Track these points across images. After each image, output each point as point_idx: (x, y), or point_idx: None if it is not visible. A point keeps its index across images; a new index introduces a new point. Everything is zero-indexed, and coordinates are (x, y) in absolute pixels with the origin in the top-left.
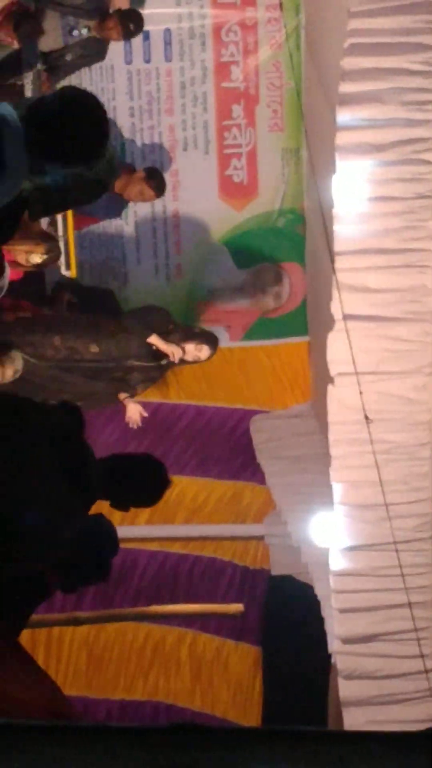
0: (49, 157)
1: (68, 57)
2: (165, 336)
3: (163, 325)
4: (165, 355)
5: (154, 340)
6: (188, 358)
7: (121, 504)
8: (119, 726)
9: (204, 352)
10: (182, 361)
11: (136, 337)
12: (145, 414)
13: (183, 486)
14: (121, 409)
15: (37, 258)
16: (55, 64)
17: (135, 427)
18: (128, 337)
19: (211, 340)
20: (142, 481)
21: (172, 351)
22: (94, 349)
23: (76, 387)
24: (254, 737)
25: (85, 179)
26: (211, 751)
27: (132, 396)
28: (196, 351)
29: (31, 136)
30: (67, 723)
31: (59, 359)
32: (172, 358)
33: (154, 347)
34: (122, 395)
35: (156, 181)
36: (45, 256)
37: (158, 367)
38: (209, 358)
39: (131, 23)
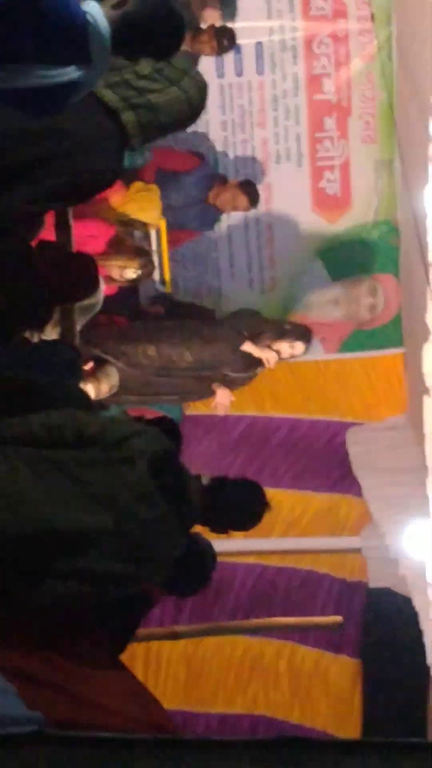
0: (134, 51)
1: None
2: (257, 338)
3: (255, 327)
4: (259, 361)
5: (248, 347)
6: (284, 356)
7: (219, 528)
8: (224, 739)
9: (298, 348)
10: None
11: (230, 345)
12: (233, 398)
13: (279, 499)
14: (217, 422)
15: (131, 273)
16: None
17: (223, 413)
18: (222, 345)
19: (304, 334)
20: (241, 505)
21: (268, 357)
22: (187, 357)
23: (171, 388)
24: (357, 750)
25: (175, 97)
26: (315, 764)
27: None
28: (290, 349)
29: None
30: (169, 737)
31: (154, 368)
32: (267, 365)
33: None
34: (215, 385)
35: (250, 190)
36: (139, 271)
37: (253, 375)
38: (305, 352)
39: (225, 39)
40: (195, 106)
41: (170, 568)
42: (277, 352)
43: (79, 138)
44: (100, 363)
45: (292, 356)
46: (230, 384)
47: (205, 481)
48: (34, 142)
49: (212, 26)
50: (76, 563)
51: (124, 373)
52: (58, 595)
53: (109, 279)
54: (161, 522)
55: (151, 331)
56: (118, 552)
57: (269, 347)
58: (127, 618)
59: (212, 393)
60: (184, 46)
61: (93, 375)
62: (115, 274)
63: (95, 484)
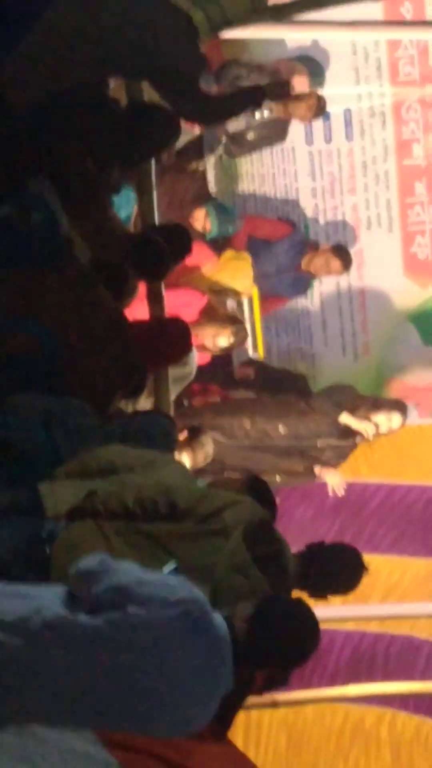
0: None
1: (250, 136)
2: (354, 410)
3: (350, 401)
4: (356, 433)
5: (345, 419)
6: (382, 430)
7: (318, 593)
8: None
9: (395, 420)
10: (376, 435)
11: (327, 417)
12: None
13: (377, 564)
14: (312, 490)
15: (224, 341)
16: (238, 143)
17: (341, 493)
18: (318, 417)
19: (400, 407)
20: (339, 571)
21: (365, 428)
22: (282, 430)
23: (270, 464)
24: None
25: None
26: None
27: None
28: (387, 422)
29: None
30: None
31: (249, 441)
32: (366, 436)
33: (344, 426)
34: (317, 468)
35: (342, 253)
36: (232, 339)
37: (351, 445)
38: (402, 425)
39: (321, 100)
40: None
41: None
42: (376, 426)
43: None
44: (195, 433)
45: (390, 429)
46: (329, 462)
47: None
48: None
49: (313, 92)
50: None
51: (221, 447)
52: None
53: (203, 348)
54: (256, 593)
55: (246, 405)
56: None
57: (367, 419)
58: (229, 698)
59: (314, 476)
60: (277, 112)
61: (188, 445)
62: (209, 342)
63: (190, 557)
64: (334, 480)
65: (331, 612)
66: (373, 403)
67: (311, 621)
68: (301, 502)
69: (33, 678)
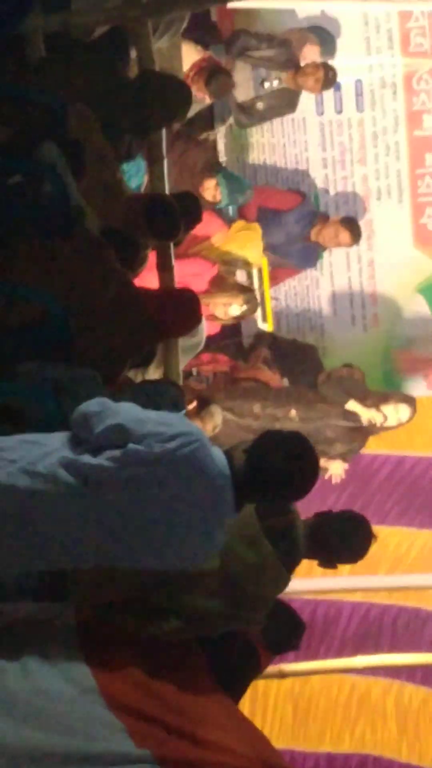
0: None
1: (259, 106)
2: (362, 399)
3: (360, 391)
4: (363, 428)
5: (353, 406)
6: (390, 422)
7: (326, 563)
8: None
9: (403, 412)
10: (383, 428)
11: (336, 405)
12: (346, 467)
13: (385, 536)
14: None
15: (236, 310)
16: (248, 113)
17: (337, 480)
18: (326, 406)
19: (408, 400)
20: (348, 539)
21: (373, 416)
22: (293, 414)
23: None
24: None
25: None
26: None
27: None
28: (395, 413)
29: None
30: None
31: (258, 425)
32: (374, 422)
33: (353, 413)
34: (323, 461)
35: (352, 225)
36: (244, 307)
37: (359, 436)
38: (410, 419)
39: (330, 71)
40: None
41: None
42: (384, 416)
43: None
44: (204, 403)
45: (399, 422)
46: (338, 456)
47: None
48: None
49: (322, 63)
50: (181, 600)
51: (230, 427)
52: (163, 631)
53: (213, 317)
54: (265, 565)
55: (258, 391)
56: (222, 592)
57: (375, 408)
58: (235, 681)
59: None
60: (287, 83)
61: (197, 415)
62: (220, 312)
63: None
64: (336, 469)
65: (338, 583)
66: (382, 395)
67: (308, 451)
68: None
69: (44, 518)
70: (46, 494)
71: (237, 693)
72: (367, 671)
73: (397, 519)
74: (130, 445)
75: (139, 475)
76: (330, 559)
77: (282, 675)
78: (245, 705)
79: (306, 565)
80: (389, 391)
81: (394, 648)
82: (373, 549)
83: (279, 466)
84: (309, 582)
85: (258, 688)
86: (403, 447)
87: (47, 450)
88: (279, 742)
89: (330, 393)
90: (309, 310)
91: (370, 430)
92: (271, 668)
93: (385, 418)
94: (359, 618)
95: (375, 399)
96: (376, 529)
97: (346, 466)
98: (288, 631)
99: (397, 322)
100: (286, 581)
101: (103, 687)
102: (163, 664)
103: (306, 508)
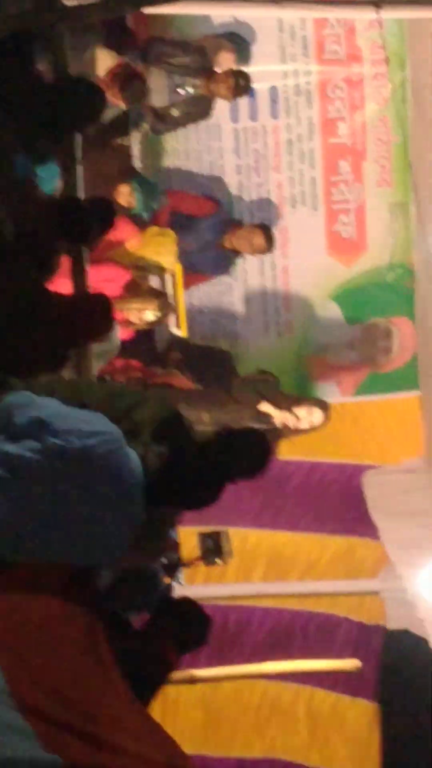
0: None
1: (174, 113)
2: (274, 404)
3: (273, 393)
4: (277, 429)
5: (266, 408)
6: (303, 425)
7: (225, 478)
8: None
9: (317, 415)
10: (296, 430)
11: (247, 407)
12: None
13: (297, 542)
14: None
15: (150, 315)
16: (162, 120)
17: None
18: (239, 407)
19: (322, 404)
20: (247, 450)
21: (286, 417)
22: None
23: None
24: None
25: None
26: None
27: None
28: (308, 416)
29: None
30: None
31: None
32: (287, 424)
33: (265, 415)
34: None
35: (266, 231)
36: (158, 313)
37: (271, 438)
38: (323, 423)
39: (242, 79)
40: None
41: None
42: (297, 419)
43: None
44: None
45: (311, 425)
46: None
47: None
48: None
49: (231, 69)
50: None
51: None
52: None
53: (127, 323)
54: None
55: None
56: None
57: (288, 411)
58: (146, 686)
59: None
60: (201, 90)
61: None
62: (134, 317)
63: None
64: None
65: (250, 588)
66: (296, 398)
67: (220, 462)
68: None
69: None
70: None
71: (147, 697)
72: (278, 677)
73: (309, 525)
74: (50, 439)
75: (55, 469)
76: (228, 474)
77: (193, 680)
78: (156, 710)
79: (218, 571)
80: (304, 395)
81: (305, 654)
82: (285, 554)
83: (190, 475)
84: (220, 588)
85: (169, 693)
86: (316, 454)
87: None
88: (189, 748)
89: (242, 395)
90: (223, 316)
91: (282, 432)
92: (182, 673)
93: (298, 420)
94: (270, 624)
95: (288, 402)
96: (288, 535)
97: None
98: (195, 626)
99: (311, 328)
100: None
101: (13, 688)
102: (74, 668)
103: (219, 511)
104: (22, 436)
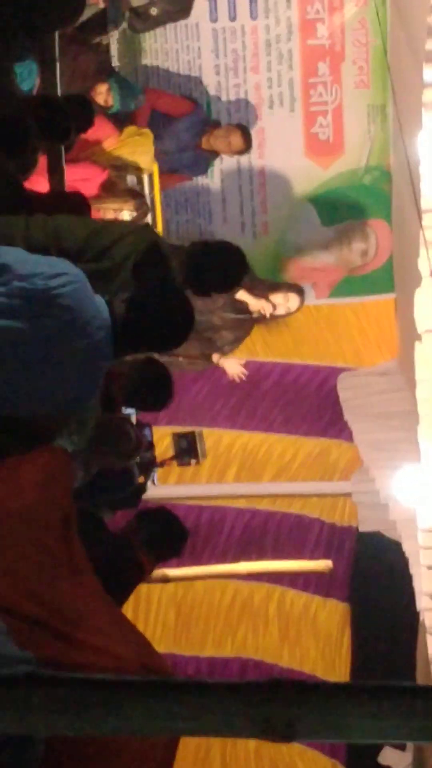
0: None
1: (153, 11)
2: (251, 288)
3: (248, 281)
4: (251, 314)
5: (242, 295)
6: (280, 311)
7: (202, 290)
8: (216, 681)
9: (293, 301)
10: (273, 317)
11: (224, 295)
12: (243, 367)
13: (270, 443)
14: (206, 369)
15: (126, 215)
16: (141, 18)
17: (239, 380)
18: (216, 296)
19: (298, 290)
20: (220, 263)
21: (262, 305)
22: None
23: None
24: (349, 693)
25: None
26: (308, 707)
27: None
28: (284, 302)
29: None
30: (163, 678)
31: None
32: (263, 312)
33: (241, 302)
34: (215, 357)
35: (243, 130)
36: (134, 213)
37: (246, 324)
38: (299, 308)
39: None
40: None
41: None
42: (273, 306)
43: None
44: None
45: (288, 311)
46: (225, 345)
47: None
48: None
49: None
50: None
51: None
52: None
53: None
54: None
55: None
56: None
57: (264, 298)
58: (119, 587)
59: (211, 362)
60: None
61: None
62: (110, 216)
63: None
64: (233, 369)
65: (223, 489)
66: (270, 284)
67: (185, 303)
68: (197, 381)
69: None
70: None
71: (120, 598)
72: (250, 577)
73: (282, 426)
74: (14, 282)
75: (20, 311)
76: (204, 286)
77: (166, 580)
78: (128, 609)
79: (192, 472)
80: (279, 281)
81: (277, 554)
82: (258, 455)
83: (156, 317)
84: (194, 488)
85: (141, 592)
86: (290, 355)
87: None
88: (161, 647)
89: None
90: (199, 216)
91: (258, 319)
92: (155, 573)
93: (275, 307)
94: (243, 524)
95: (264, 288)
96: (262, 436)
97: (242, 362)
98: (172, 538)
99: (287, 230)
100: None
101: None
102: (47, 563)
103: (193, 412)
104: None
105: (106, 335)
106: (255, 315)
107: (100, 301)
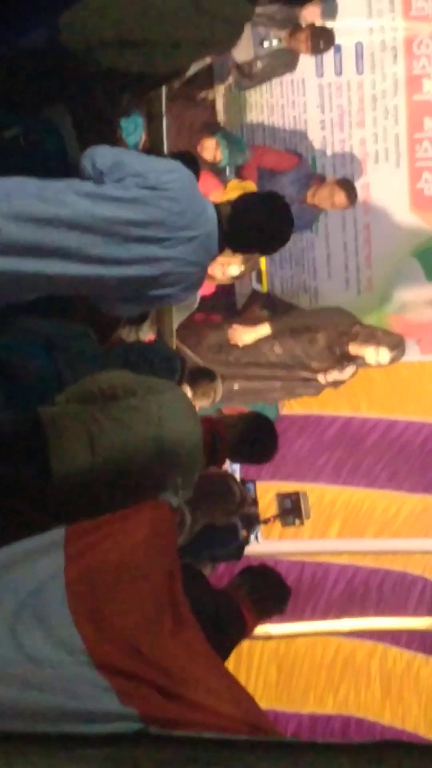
0: None
1: (258, 66)
2: (349, 338)
3: (348, 326)
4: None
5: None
6: (369, 362)
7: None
8: (326, 742)
9: (383, 355)
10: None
11: (322, 339)
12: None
13: (374, 499)
14: (312, 422)
15: (235, 270)
16: (246, 73)
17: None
18: (313, 337)
19: (394, 343)
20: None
21: (359, 352)
22: (278, 350)
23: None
24: None
25: None
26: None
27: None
28: (375, 354)
29: None
30: (272, 738)
31: (245, 362)
32: (366, 363)
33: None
34: (320, 377)
35: (347, 186)
36: (242, 267)
37: (335, 362)
38: (391, 362)
39: (321, 40)
40: None
41: None
42: (362, 357)
43: None
44: (207, 377)
45: (378, 364)
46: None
47: None
48: None
49: (311, 25)
50: None
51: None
52: None
53: (209, 277)
54: None
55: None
56: None
57: (355, 351)
58: (222, 644)
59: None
60: (284, 43)
61: (199, 388)
62: (218, 272)
63: None
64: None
65: (326, 545)
66: (367, 335)
67: (286, 206)
68: (301, 434)
69: None
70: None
71: (223, 654)
72: (353, 634)
73: (386, 483)
74: (130, 178)
75: (140, 198)
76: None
77: (268, 636)
78: (229, 664)
79: (294, 528)
80: (379, 332)
81: (379, 611)
82: (361, 512)
83: (259, 216)
84: (296, 544)
85: (242, 648)
86: (395, 411)
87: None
88: (263, 702)
89: (317, 323)
90: (303, 272)
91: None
92: (258, 629)
93: (364, 358)
94: (345, 581)
95: (361, 338)
96: (365, 492)
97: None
98: (275, 596)
99: (391, 286)
100: None
101: (90, 648)
102: (150, 619)
103: (297, 467)
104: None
105: (213, 230)
106: (348, 367)
107: (207, 201)
